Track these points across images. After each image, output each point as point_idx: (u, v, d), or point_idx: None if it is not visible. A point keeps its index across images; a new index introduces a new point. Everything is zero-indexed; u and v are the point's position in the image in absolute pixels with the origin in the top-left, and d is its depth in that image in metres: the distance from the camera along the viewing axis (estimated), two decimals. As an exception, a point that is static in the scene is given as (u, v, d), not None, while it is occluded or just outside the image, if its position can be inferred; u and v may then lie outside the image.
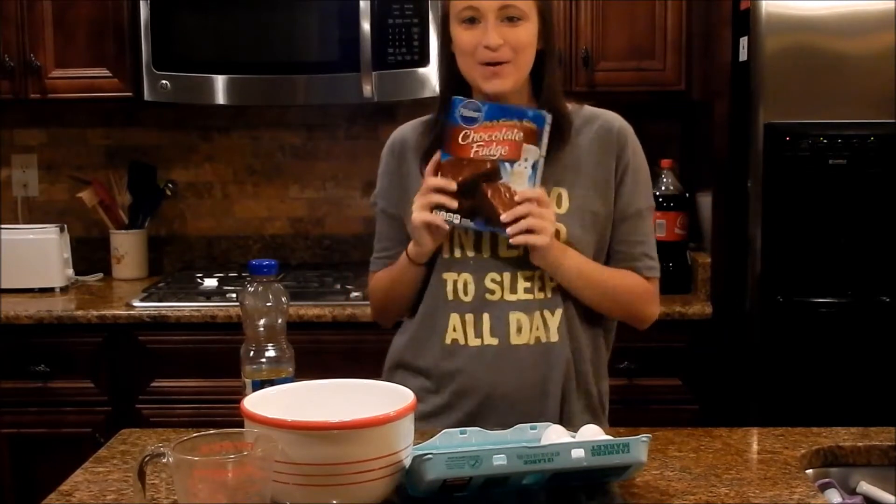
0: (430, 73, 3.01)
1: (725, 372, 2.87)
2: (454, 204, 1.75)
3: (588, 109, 1.92)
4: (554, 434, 1.53)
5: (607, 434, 1.51)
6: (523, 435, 1.57)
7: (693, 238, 3.13)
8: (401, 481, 1.37)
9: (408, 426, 1.36)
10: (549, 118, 1.76)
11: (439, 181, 1.77)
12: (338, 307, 2.86)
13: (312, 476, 1.30)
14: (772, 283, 2.73)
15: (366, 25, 2.94)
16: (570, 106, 1.89)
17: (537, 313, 1.82)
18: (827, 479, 1.66)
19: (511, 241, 1.74)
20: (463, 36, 1.79)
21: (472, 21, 1.78)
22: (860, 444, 1.69)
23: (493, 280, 1.82)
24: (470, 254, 1.82)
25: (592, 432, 1.51)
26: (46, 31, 3.09)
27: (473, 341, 1.82)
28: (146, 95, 3.07)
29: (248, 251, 3.49)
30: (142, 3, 3.02)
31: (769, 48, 2.67)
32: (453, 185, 1.75)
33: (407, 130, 1.94)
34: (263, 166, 3.49)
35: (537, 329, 1.82)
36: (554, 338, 1.82)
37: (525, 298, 1.82)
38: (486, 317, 1.82)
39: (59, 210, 3.49)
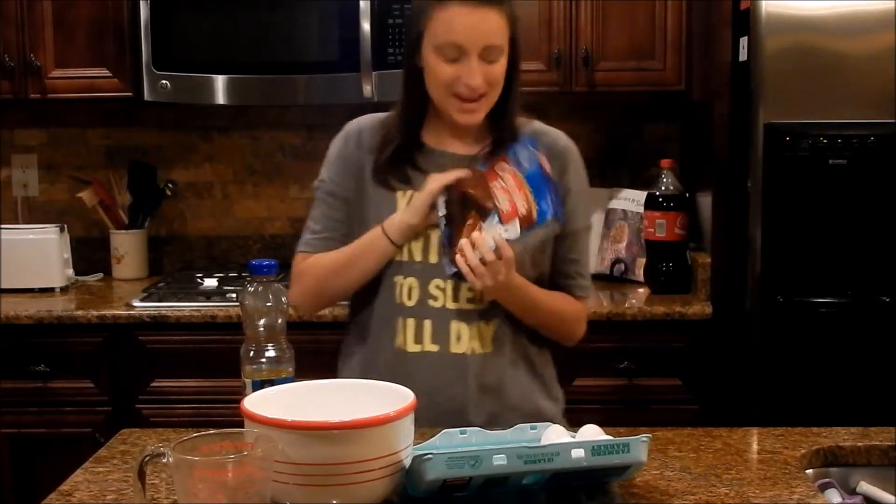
0: (430, 73, 3.01)
1: (725, 372, 2.87)
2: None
3: (536, 125, 1.94)
4: (554, 434, 1.53)
5: (607, 434, 1.51)
6: (523, 435, 1.57)
7: (693, 238, 3.13)
8: (401, 481, 1.37)
9: (408, 426, 1.36)
10: (551, 221, 1.74)
11: (462, 174, 1.81)
12: (337, 307, 2.84)
13: (312, 476, 1.30)
14: (772, 283, 2.73)
15: (366, 25, 2.94)
16: (520, 120, 1.91)
17: (475, 323, 1.84)
18: (827, 479, 1.66)
19: (454, 260, 1.76)
20: (443, 69, 1.79)
21: (451, 57, 1.78)
22: (860, 444, 1.69)
23: (437, 286, 1.84)
24: (418, 258, 1.84)
25: (592, 432, 1.51)
26: (46, 31, 3.09)
27: (413, 347, 1.84)
28: (146, 95, 3.07)
29: (248, 251, 3.49)
30: (142, 3, 3.02)
31: (769, 48, 2.67)
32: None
33: (365, 124, 1.95)
34: (263, 166, 3.49)
35: (473, 339, 1.84)
36: (488, 349, 1.85)
37: (466, 308, 1.84)
38: (427, 323, 1.84)
39: (59, 210, 3.49)
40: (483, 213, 1.77)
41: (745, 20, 2.73)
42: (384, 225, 1.84)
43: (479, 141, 1.89)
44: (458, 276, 1.77)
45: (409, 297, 1.84)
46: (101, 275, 3.39)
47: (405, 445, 1.36)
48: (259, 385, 1.53)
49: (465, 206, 1.78)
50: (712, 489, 1.48)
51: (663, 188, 3.05)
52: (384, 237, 1.84)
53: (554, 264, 1.91)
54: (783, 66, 2.68)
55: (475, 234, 1.74)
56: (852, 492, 1.67)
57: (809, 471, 1.63)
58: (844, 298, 2.71)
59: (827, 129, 2.67)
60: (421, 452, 1.35)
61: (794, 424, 1.78)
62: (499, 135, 1.87)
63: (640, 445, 1.42)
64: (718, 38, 2.88)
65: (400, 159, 1.87)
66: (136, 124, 3.48)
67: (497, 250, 1.72)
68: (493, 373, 1.86)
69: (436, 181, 1.81)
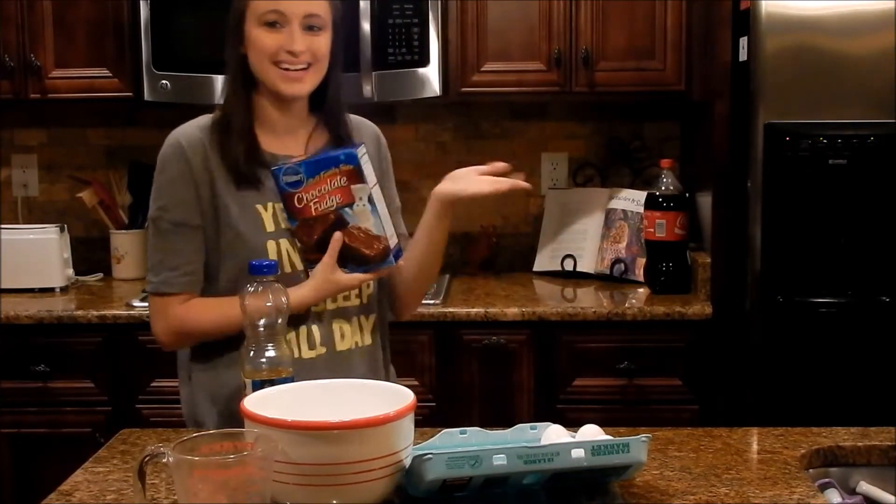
0: (431, 73, 3.01)
1: (725, 372, 2.87)
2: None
3: (353, 117, 1.99)
4: (554, 434, 1.53)
5: (607, 434, 1.51)
6: (523, 435, 1.57)
7: (693, 238, 3.13)
8: (401, 481, 1.37)
9: (408, 426, 1.36)
10: (360, 149, 1.78)
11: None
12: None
13: (312, 476, 1.30)
14: (772, 283, 2.73)
15: (366, 25, 2.94)
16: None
17: (355, 318, 1.88)
18: (827, 479, 1.66)
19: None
20: (265, 38, 1.81)
21: (273, 25, 1.80)
22: (860, 444, 1.69)
23: None
24: (300, 267, 1.82)
25: (592, 432, 1.51)
26: (46, 31, 3.10)
27: (308, 353, 1.84)
28: (146, 95, 3.07)
29: (248, 251, 3.49)
30: (142, 3, 3.02)
31: (769, 48, 2.67)
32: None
33: (195, 133, 1.87)
34: (263, 166, 3.49)
35: (355, 334, 1.88)
36: (368, 341, 1.90)
37: (343, 305, 1.87)
38: (314, 328, 1.84)
39: (59, 210, 3.49)
40: (341, 225, 1.77)
41: (745, 20, 2.73)
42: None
43: (312, 140, 1.91)
44: (400, 255, 1.83)
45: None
46: (101, 275, 3.39)
47: (405, 445, 1.36)
48: (259, 385, 1.53)
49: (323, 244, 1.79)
50: (712, 489, 1.48)
51: (663, 188, 3.05)
52: None
53: None
54: (783, 66, 2.68)
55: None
56: (852, 492, 1.67)
57: (809, 471, 1.63)
58: (844, 298, 2.71)
59: (827, 129, 2.67)
60: (421, 452, 1.35)
61: (794, 424, 1.78)
62: (334, 131, 1.91)
63: (640, 445, 1.42)
64: (718, 38, 2.88)
65: (248, 167, 1.83)
66: (136, 124, 3.48)
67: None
68: (375, 364, 1.91)
69: (344, 278, 1.79)
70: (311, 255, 1.80)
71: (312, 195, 1.76)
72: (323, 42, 1.84)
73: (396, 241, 1.83)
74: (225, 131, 1.85)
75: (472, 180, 1.82)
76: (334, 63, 1.89)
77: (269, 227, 1.82)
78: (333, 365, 1.84)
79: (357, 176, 1.75)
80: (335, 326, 1.86)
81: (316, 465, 1.29)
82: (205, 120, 1.90)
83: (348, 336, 1.87)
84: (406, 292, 1.98)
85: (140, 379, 2.89)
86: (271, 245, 1.82)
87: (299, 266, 1.83)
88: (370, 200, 1.76)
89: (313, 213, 1.77)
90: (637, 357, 2.87)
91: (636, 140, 3.46)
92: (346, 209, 1.76)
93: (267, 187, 1.83)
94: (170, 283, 1.85)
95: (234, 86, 1.88)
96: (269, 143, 1.88)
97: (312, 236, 1.78)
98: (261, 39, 1.81)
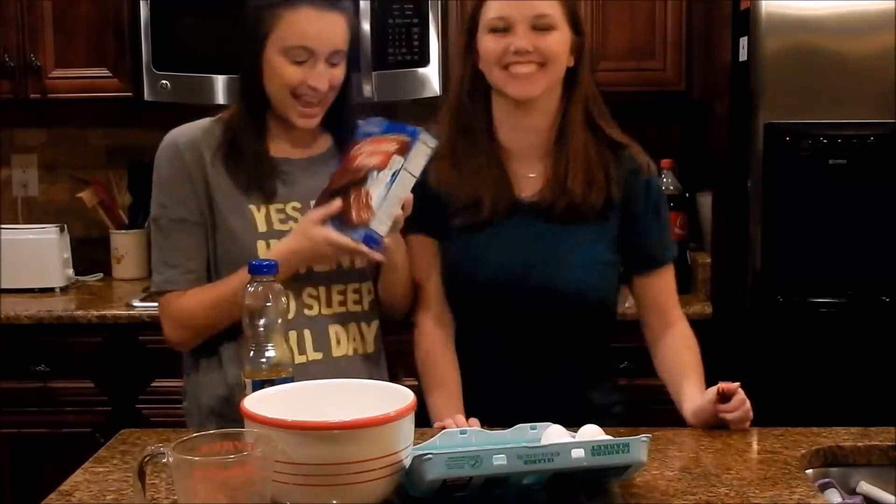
0: (431, 73, 3.01)
1: (725, 372, 2.86)
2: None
3: None
4: (554, 434, 1.53)
5: (607, 434, 1.51)
6: (523, 435, 1.57)
7: (693, 238, 3.13)
8: (401, 481, 1.37)
9: (408, 426, 1.36)
10: (422, 135, 1.74)
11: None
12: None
13: (312, 476, 1.30)
14: (772, 283, 2.73)
15: (366, 25, 2.93)
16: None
17: (353, 325, 1.86)
18: (827, 479, 1.66)
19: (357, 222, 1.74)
20: (290, 71, 1.78)
21: (301, 63, 1.78)
22: (860, 444, 1.69)
23: (309, 294, 1.83)
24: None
25: (592, 432, 1.51)
26: (46, 31, 3.10)
27: (298, 358, 1.81)
28: (146, 95, 3.07)
29: (248, 251, 3.49)
30: (142, 3, 3.03)
31: (769, 48, 2.67)
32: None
33: (193, 133, 1.86)
34: (263, 166, 3.49)
35: (354, 340, 1.86)
36: (371, 349, 1.88)
37: (340, 311, 1.85)
38: (307, 333, 1.82)
39: (59, 210, 3.49)
40: (361, 184, 1.75)
41: (745, 20, 2.73)
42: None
43: (315, 141, 1.90)
44: (373, 241, 1.74)
45: (288, 310, 1.79)
46: (101, 275, 3.39)
47: (405, 445, 1.36)
48: (259, 385, 1.53)
49: (344, 196, 1.76)
50: (712, 489, 1.48)
51: (663, 188, 3.05)
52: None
53: None
54: (783, 66, 2.68)
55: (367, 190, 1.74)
56: (852, 492, 1.67)
57: (809, 471, 1.63)
58: (844, 298, 2.71)
59: (827, 129, 2.67)
60: (421, 452, 1.35)
61: (794, 424, 1.78)
62: (338, 137, 1.90)
63: (640, 445, 1.42)
64: (718, 38, 2.88)
65: (253, 170, 1.82)
66: (136, 124, 3.48)
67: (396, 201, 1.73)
68: (380, 372, 1.89)
69: (332, 234, 1.75)
70: (324, 199, 1.78)
71: (366, 149, 1.76)
72: (340, 73, 1.82)
73: (385, 230, 1.75)
74: (231, 146, 1.83)
75: None
76: (348, 79, 1.87)
77: (262, 227, 1.81)
78: (332, 371, 1.80)
79: (405, 149, 1.73)
80: (331, 331, 1.84)
81: (316, 465, 1.29)
82: (205, 123, 1.89)
83: (344, 342, 1.85)
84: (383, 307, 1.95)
85: (140, 379, 2.89)
86: (261, 245, 1.80)
87: None
88: (394, 175, 1.73)
89: (355, 164, 1.76)
90: (637, 357, 2.86)
91: (636, 140, 3.46)
92: (374, 172, 1.74)
93: (264, 190, 1.82)
94: (173, 280, 1.85)
95: (246, 107, 1.85)
96: (274, 148, 1.87)
97: (335, 183, 1.77)
98: (284, 71, 1.78)
